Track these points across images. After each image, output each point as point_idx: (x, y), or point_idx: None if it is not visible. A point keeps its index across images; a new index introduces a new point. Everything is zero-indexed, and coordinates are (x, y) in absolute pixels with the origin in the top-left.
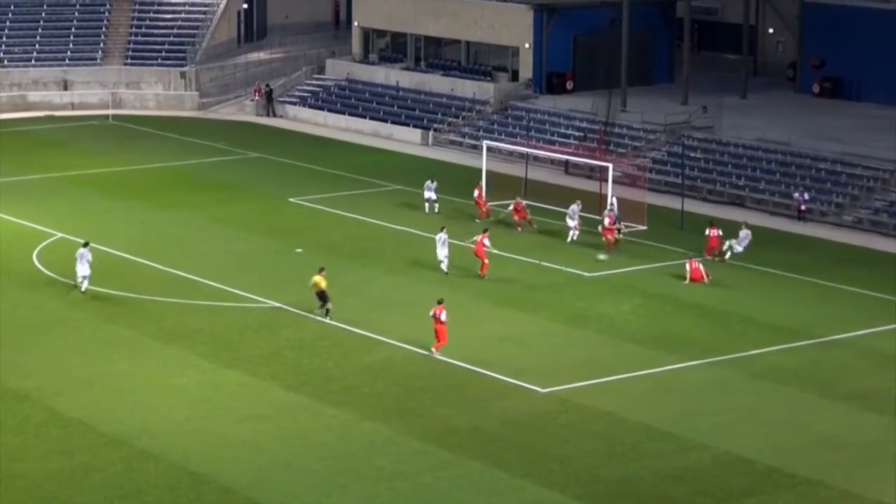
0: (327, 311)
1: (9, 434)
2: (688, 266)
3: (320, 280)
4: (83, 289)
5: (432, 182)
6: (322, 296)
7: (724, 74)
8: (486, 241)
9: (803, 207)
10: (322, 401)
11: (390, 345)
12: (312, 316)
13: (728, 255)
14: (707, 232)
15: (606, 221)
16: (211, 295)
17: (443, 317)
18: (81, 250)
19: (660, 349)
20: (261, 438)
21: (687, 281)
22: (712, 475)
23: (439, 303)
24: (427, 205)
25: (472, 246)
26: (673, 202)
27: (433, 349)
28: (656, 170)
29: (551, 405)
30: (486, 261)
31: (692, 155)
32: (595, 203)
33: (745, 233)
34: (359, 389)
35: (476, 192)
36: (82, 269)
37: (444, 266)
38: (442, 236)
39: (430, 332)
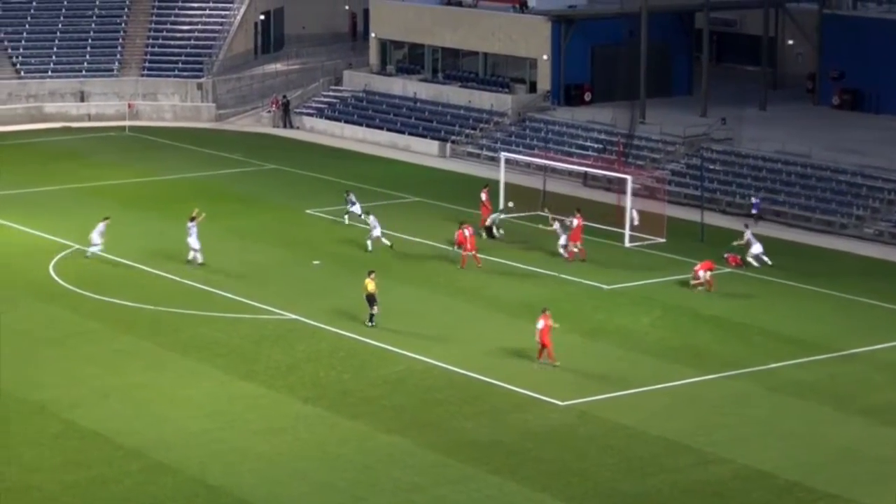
0: (371, 315)
1: (25, 446)
2: (702, 273)
3: (369, 283)
4: (199, 261)
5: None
6: (370, 299)
7: (743, 86)
8: (466, 232)
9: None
10: (339, 413)
11: (407, 357)
12: (372, 322)
13: (755, 260)
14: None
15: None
16: (227, 306)
17: (539, 324)
18: (189, 224)
19: (679, 362)
20: (278, 451)
21: (699, 286)
22: (731, 489)
23: (544, 311)
24: (347, 217)
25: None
26: (692, 214)
27: (550, 361)
28: (675, 182)
29: (570, 418)
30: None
31: (711, 167)
32: (613, 215)
33: (748, 235)
34: (376, 401)
35: (483, 196)
36: (192, 241)
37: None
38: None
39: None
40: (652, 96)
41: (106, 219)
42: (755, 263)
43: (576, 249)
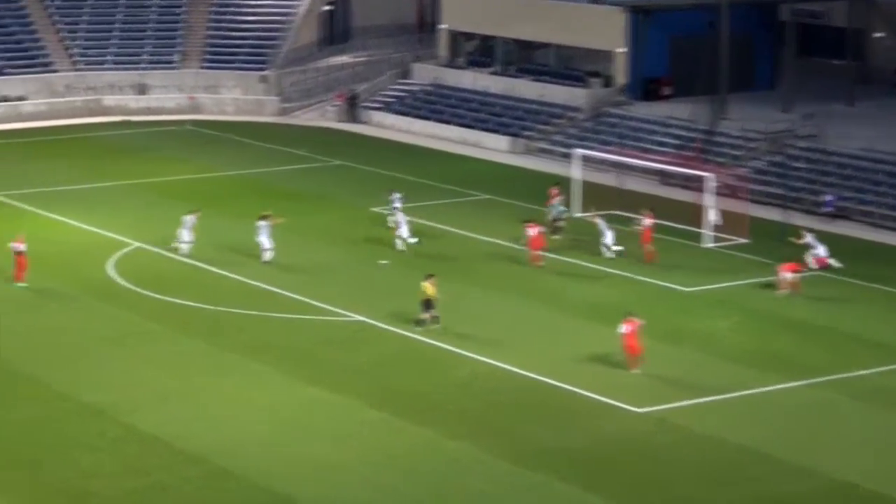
0: (434, 318)
1: (83, 450)
2: (784, 274)
3: (427, 286)
4: (265, 259)
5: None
6: (427, 304)
7: (829, 81)
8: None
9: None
10: (406, 418)
11: (476, 360)
12: (421, 327)
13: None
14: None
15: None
16: (291, 307)
17: (623, 329)
18: (259, 223)
19: (760, 368)
20: (343, 457)
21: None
22: (813, 501)
23: (628, 316)
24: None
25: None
26: (775, 214)
27: (632, 366)
28: (757, 180)
29: (647, 425)
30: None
31: (795, 165)
32: (691, 213)
33: (809, 237)
34: (444, 406)
35: (554, 192)
36: (262, 240)
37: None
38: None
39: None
40: (733, 91)
41: (194, 212)
42: (815, 266)
43: (652, 249)
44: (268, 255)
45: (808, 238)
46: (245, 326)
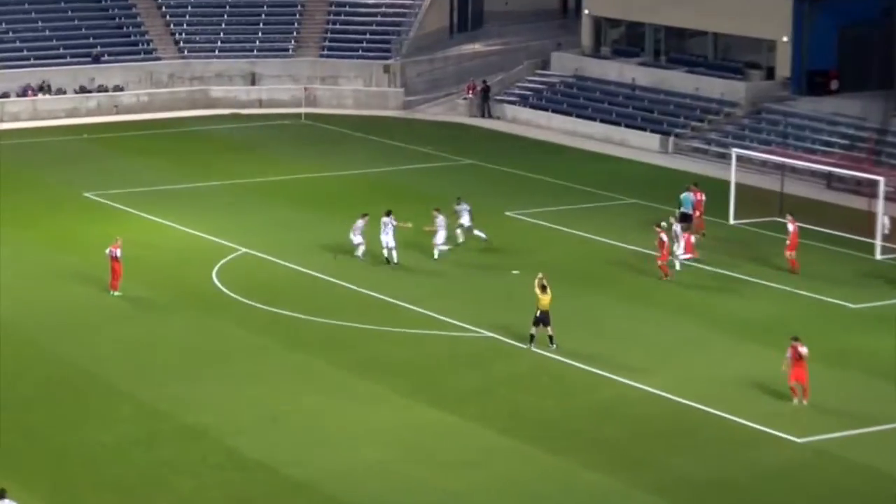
0: (550, 338)
1: (184, 476)
2: None
3: (543, 297)
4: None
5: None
6: (541, 318)
7: None
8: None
9: None
10: (539, 446)
11: (618, 382)
12: (530, 346)
13: None
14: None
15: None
16: (412, 321)
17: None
18: (384, 219)
19: None
20: (468, 488)
21: None
22: None
23: (794, 340)
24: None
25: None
26: None
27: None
28: None
29: (807, 457)
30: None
31: None
32: (863, 222)
33: None
34: (581, 434)
35: (697, 197)
36: (387, 239)
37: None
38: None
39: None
40: None
41: (364, 215)
42: None
43: (793, 258)
44: (386, 254)
45: None
46: (361, 342)
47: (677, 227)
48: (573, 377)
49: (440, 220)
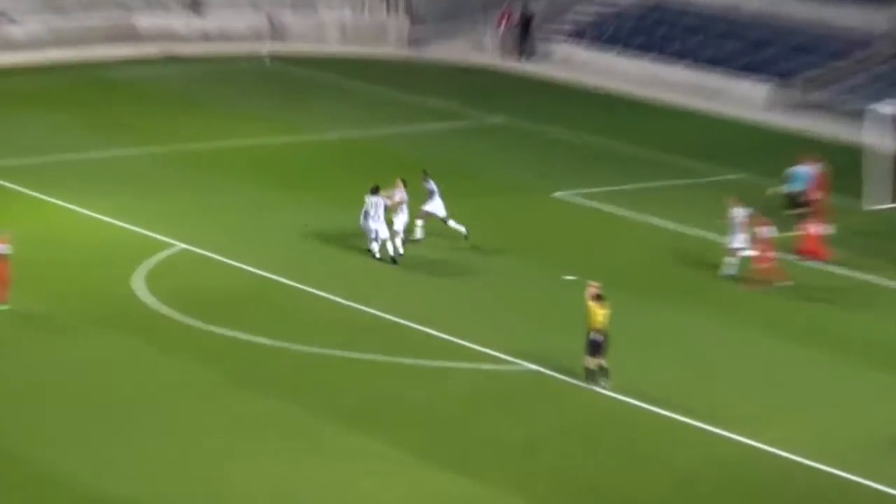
0: (601, 370)
1: None
2: None
3: (598, 311)
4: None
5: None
6: (595, 343)
7: None
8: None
9: None
10: None
11: (712, 434)
12: (588, 385)
13: None
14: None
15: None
16: (422, 349)
17: None
18: (372, 198)
19: None
20: None
21: None
22: None
23: None
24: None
25: None
26: None
27: None
28: None
29: None
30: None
31: None
32: None
33: None
34: None
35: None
36: (377, 227)
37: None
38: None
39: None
40: None
41: (389, 190)
42: None
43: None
44: (389, 245)
45: None
46: (348, 377)
47: (739, 212)
48: (649, 428)
49: (400, 193)
